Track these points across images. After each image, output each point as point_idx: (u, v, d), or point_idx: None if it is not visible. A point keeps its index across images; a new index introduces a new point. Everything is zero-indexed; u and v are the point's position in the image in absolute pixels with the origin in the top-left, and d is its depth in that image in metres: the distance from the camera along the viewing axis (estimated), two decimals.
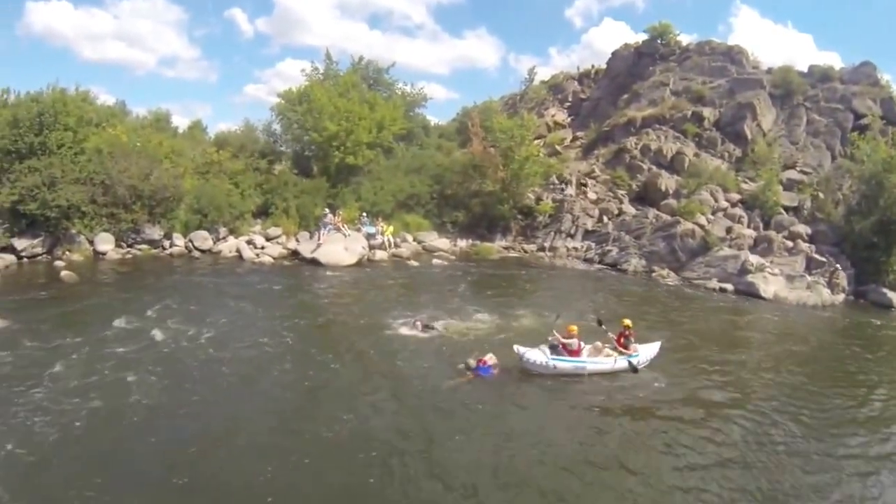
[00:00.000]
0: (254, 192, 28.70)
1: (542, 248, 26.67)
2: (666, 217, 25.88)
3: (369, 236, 26.01)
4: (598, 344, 13.27)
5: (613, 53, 41.01)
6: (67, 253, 23.60)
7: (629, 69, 38.78)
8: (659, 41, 39.01)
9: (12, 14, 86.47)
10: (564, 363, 12.68)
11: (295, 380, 11.93)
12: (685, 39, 39.33)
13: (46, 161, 24.03)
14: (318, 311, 17.42)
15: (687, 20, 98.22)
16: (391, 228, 26.46)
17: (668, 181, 28.28)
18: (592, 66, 42.80)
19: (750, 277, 21.61)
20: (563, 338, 12.78)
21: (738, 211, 25.96)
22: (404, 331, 15.02)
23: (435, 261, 24.80)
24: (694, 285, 21.91)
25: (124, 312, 16.14)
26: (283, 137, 33.46)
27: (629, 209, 27.56)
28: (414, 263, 24.45)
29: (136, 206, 25.04)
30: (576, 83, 41.62)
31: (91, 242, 24.18)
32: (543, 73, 44.78)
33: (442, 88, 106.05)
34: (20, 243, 23.21)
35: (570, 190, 28.78)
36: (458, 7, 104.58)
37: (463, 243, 27.35)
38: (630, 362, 12.83)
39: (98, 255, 23.91)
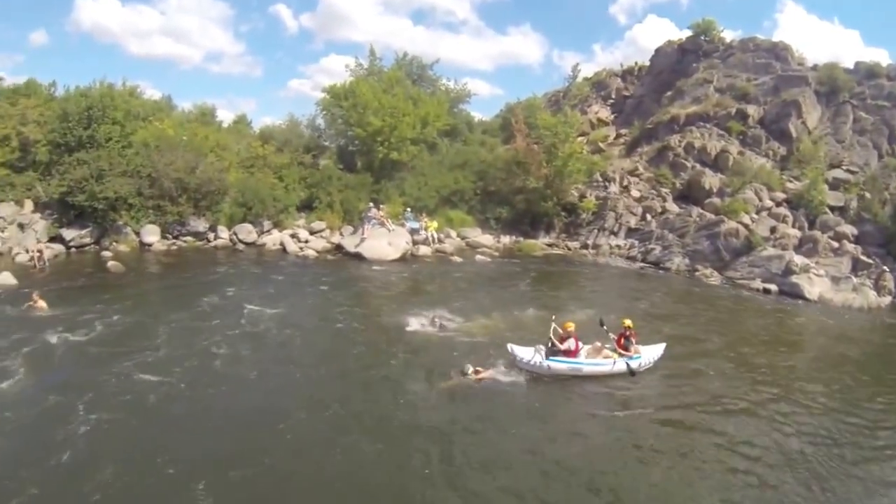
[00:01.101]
0: (298, 185, 29.39)
1: (585, 246, 26.98)
2: (710, 216, 25.87)
3: (413, 231, 26.55)
4: (598, 344, 12.95)
5: (657, 50, 40.75)
6: (114, 244, 24.63)
7: (673, 66, 38.52)
8: (703, 38, 38.58)
9: (61, 11, 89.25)
10: (559, 364, 12.35)
11: (334, 370, 12.41)
12: (729, 36, 38.90)
13: (94, 154, 25.03)
14: (362, 305, 18.07)
15: (731, 16, 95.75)
16: (435, 224, 27.00)
17: (711, 179, 28.27)
18: (636, 63, 42.66)
19: (794, 278, 21.57)
20: (560, 337, 12.55)
21: (783, 210, 25.81)
22: (421, 327, 15.13)
23: (478, 257, 25.19)
24: (737, 285, 21.93)
25: (168, 301, 17.22)
26: (327, 132, 34.16)
27: (672, 207, 27.64)
28: (457, 259, 24.89)
29: (182, 199, 25.91)
30: (619, 80, 41.49)
31: (137, 234, 25.17)
32: (587, 70, 44.84)
33: (486, 84, 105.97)
34: (68, 234, 24.32)
35: (614, 187, 29.04)
36: (502, 3, 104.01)
37: (506, 240, 27.78)
38: (629, 365, 12.41)
39: (144, 246, 24.87)
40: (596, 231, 27.56)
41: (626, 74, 42.15)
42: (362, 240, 25.15)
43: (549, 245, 27.39)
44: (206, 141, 29.21)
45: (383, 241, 25.18)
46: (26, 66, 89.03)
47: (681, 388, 12.31)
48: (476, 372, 11.68)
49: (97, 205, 23.92)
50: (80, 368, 11.72)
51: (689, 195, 28.36)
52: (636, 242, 26.32)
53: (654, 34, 73.62)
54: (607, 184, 29.53)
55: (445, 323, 15.38)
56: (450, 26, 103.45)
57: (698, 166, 29.55)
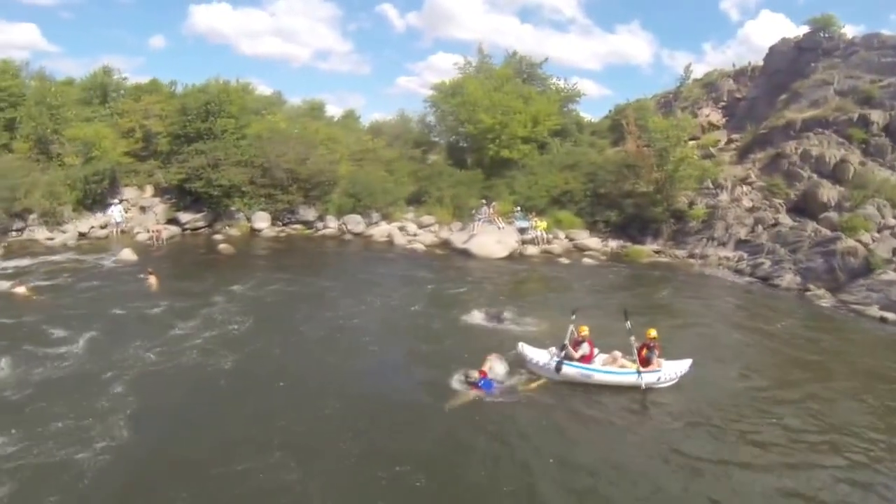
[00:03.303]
0: (408, 179, 31.08)
1: (692, 255, 26.97)
2: (825, 231, 25.08)
3: (522, 230, 27.56)
4: (617, 353, 12.55)
5: (771, 49, 39.10)
6: (226, 228, 27.17)
7: (788, 66, 36.90)
8: (822, 34, 36.68)
9: (178, 17, 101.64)
10: (570, 369, 12.11)
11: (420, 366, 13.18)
12: (851, 32, 36.98)
13: (211, 145, 27.54)
14: (466, 299, 18.82)
15: (853, 10, 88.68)
16: (544, 224, 27.91)
17: (829, 191, 27.23)
18: (749, 63, 41.26)
19: None
20: (575, 341, 12.41)
21: None
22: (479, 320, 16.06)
23: (585, 260, 25.91)
24: (851, 309, 20.95)
25: (275, 282, 19.00)
26: (437, 128, 35.57)
27: (785, 220, 27.01)
28: (564, 261, 25.68)
29: (293, 188, 28.08)
30: (731, 81, 40.29)
31: (249, 219, 27.61)
32: (697, 71, 44.02)
33: (593, 85, 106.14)
34: (184, 217, 27.12)
35: (724, 196, 28.81)
36: (610, 0, 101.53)
37: (614, 244, 28.33)
38: (641, 378, 11.95)
39: (254, 231, 27.23)
40: (704, 240, 27.44)
41: (739, 75, 40.81)
42: (471, 236, 26.43)
43: (657, 252, 27.64)
44: (317, 134, 31.40)
45: (492, 238, 26.32)
46: (146, 67, 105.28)
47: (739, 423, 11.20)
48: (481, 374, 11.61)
49: (212, 191, 26.63)
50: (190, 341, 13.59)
51: (804, 207, 27.54)
52: (745, 255, 25.93)
53: (768, 31, 70.32)
54: (718, 191, 29.28)
55: (505, 317, 16.23)
56: (557, 24, 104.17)
57: (815, 176, 28.41)
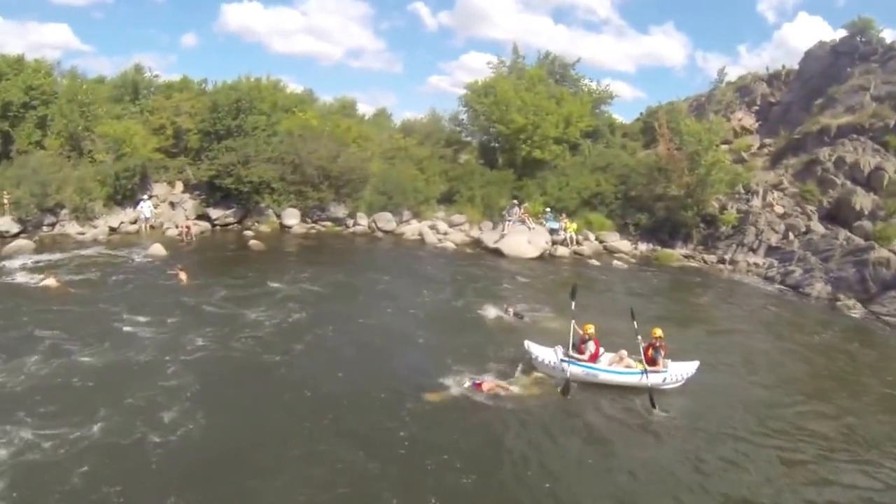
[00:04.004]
0: (439, 178, 31.25)
1: (721, 260, 27.01)
2: (858, 240, 24.91)
3: (552, 231, 27.72)
4: (623, 352, 12.55)
5: (807, 53, 38.69)
6: (256, 224, 27.40)
7: (824, 70, 36.40)
8: (859, 38, 36.05)
9: (209, 16, 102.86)
10: (574, 367, 12.19)
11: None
12: (889, 36, 36.39)
13: (242, 142, 27.66)
14: (504, 296, 19.11)
15: (893, 14, 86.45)
16: (574, 225, 27.99)
17: (863, 200, 26.98)
18: (783, 67, 40.80)
19: None
20: (580, 339, 12.50)
21: None
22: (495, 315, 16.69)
23: (615, 262, 26.04)
24: (882, 321, 20.78)
25: (305, 279, 19.30)
26: (469, 128, 35.75)
27: (818, 227, 26.89)
28: (594, 263, 25.93)
29: (324, 186, 28.06)
30: (765, 85, 39.93)
31: (278, 216, 27.78)
32: (731, 73, 43.50)
33: (626, 86, 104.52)
34: (214, 213, 27.36)
35: (756, 201, 28.75)
36: (644, 0, 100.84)
37: (644, 247, 28.52)
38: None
39: (284, 227, 27.45)
40: (734, 246, 27.41)
41: (773, 79, 40.44)
42: (502, 236, 26.67)
43: (686, 256, 27.72)
44: (349, 132, 31.65)
45: (523, 238, 26.51)
46: (178, 64, 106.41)
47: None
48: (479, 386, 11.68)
49: (242, 188, 26.77)
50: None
51: (837, 215, 27.38)
52: (775, 262, 25.90)
53: (805, 34, 68.27)
54: (749, 197, 29.25)
55: (521, 314, 16.75)
56: (590, 25, 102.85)
57: (849, 184, 28.17)
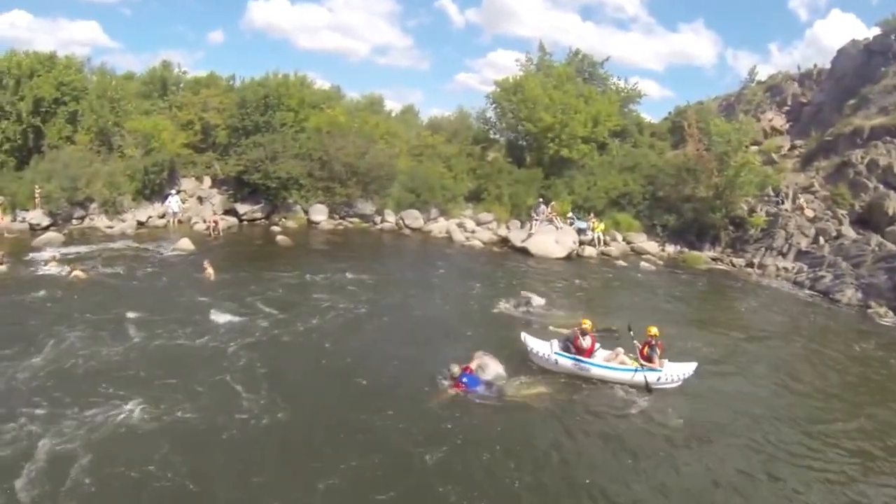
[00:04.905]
0: (467, 176, 31.36)
1: (750, 264, 26.75)
2: (890, 246, 24.53)
3: (580, 231, 27.66)
4: (620, 350, 12.70)
5: (839, 51, 37.94)
6: (283, 219, 27.78)
7: (857, 70, 35.65)
8: (893, 37, 35.12)
9: (236, 13, 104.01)
10: (566, 360, 12.39)
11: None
12: None
13: (270, 137, 27.98)
14: (506, 293, 18.95)
15: None
16: (602, 226, 27.97)
17: None
18: (815, 66, 40.15)
19: None
20: (576, 334, 12.62)
21: None
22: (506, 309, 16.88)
23: (643, 264, 25.93)
24: None
25: (333, 274, 19.52)
26: (497, 126, 35.74)
27: (849, 232, 26.48)
28: (622, 263, 25.89)
29: (351, 182, 28.39)
30: (796, 84, 39.36)
31: (306, 212, 28.13)
32: (761, 73, 42.95)
33: (655, 85, 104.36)
34: (242, 208, 27.76)
35: (787, 204, 28.48)
36: None
37: (671, 248, 28.44)
38: (646, 378, 12.03)
39: (311, 223, 27.78)
40: (763, 250, 27.16)
41: (804, 78, 39.82)
42: (530, 235, 26.74)
43: (714, 259, 27.55)
44: (377, 128, 31.83)
45: (551, 237, 26.55)
46: (205, 61, 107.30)
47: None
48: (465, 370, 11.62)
49: (270, 183, 27.18)
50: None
51: (869, 220, 26.94)
52: (805, 267, 25.52)
53: (837, 32, 66.84)
54: (779, 199, 28.97)
55: (533, 309, 16.90)
56: (619, 23, 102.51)
57: (881, 187, 27.62)
